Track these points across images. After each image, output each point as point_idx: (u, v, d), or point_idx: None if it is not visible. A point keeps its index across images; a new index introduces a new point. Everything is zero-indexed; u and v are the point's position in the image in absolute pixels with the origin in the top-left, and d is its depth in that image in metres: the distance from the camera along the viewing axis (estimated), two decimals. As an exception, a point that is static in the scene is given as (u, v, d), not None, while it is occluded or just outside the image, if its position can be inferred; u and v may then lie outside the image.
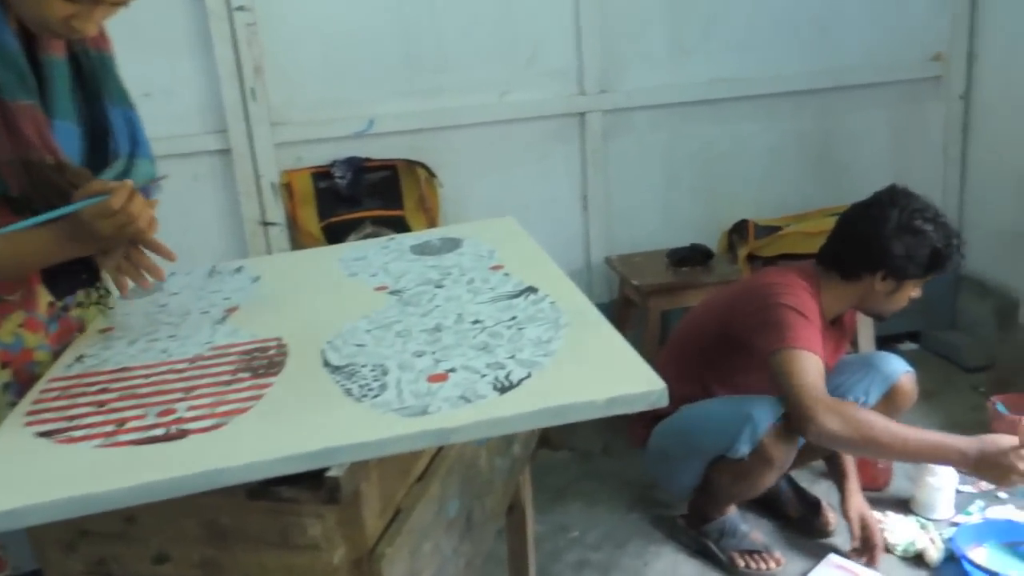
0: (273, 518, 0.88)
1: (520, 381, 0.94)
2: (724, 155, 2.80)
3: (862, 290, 1.82)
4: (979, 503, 2.08)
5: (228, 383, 1.02)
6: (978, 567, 1.79)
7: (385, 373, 1.00)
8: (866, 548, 1.88)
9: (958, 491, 2.10)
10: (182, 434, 0.90)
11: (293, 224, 2.54)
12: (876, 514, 2.03)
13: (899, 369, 1.92)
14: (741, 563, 1.88)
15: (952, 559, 1.88)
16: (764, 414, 1.70)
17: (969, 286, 2.91)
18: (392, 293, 1.29)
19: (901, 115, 2.86)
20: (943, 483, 2.03)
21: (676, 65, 2.69)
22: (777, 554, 1.91)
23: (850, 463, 1.95)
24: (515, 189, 2.70)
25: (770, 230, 2.64)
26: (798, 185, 2.84)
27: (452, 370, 0.99)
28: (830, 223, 2.48)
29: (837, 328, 1.93)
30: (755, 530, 1.95)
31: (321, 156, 2.53)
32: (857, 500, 1.92)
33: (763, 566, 1.87)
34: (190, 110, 2.43)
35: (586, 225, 2.76)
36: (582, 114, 2.65)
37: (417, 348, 1.07)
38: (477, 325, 1.12)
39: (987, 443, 1.57)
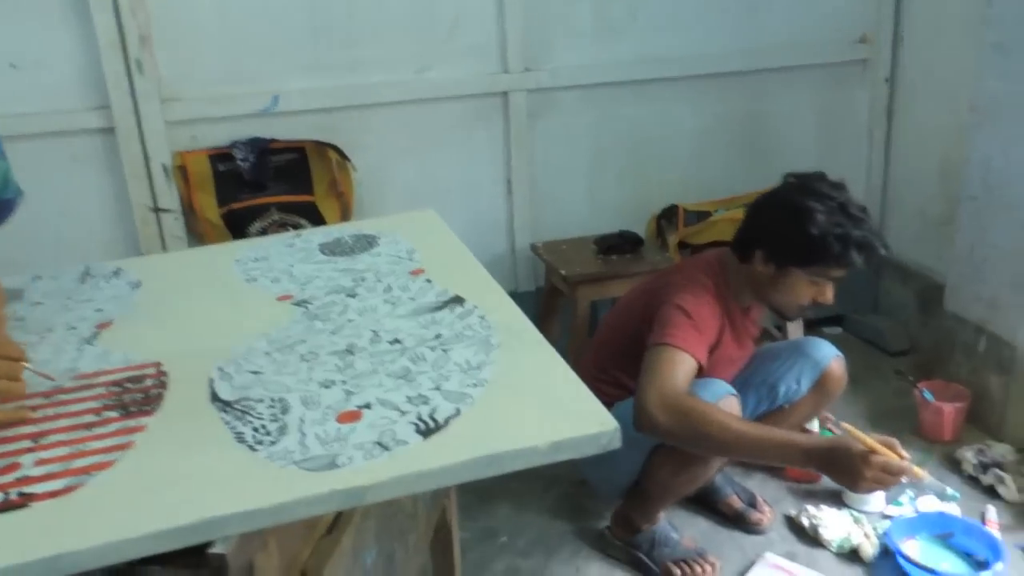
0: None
1: (447, 420, 0.80)
2: (652, 138, 2.70)
3: (752, 273, 1.70)
4: (909, 493, 2.06)
5: (90, 426, 0.84)
6: (912, 562, 1.76)
7: (286, 411, 0.84)
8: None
9: (889, 483, 2.08)
10: (24, 500, 0.73)
11: (189, 211, 2.30)
12: (810, 507, 2.00)
13: (828, 355, 1.88)
14: (677, 572, 1.80)
15: (886, 553, 1.85)
16: (709, 398, 1.60)
17: (892, 270, 2.91)
18: (298, 304, 1.13)
19: (828, 98, 2.82)
20: (875, 476, 1.99)
21: (603, 43, 2.57)
22: (711, 558, 1.83)
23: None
24: (435, 173, 2.54)
25: (699, 215, 2.56)
26: (727, 169, 2.77)
27: (366, 406, 0.84)
28: (759, 208, 2.45)
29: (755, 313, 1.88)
30: (686, 537, 1.88)
31: (220, 136, 2.30)
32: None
33: (698, 571, 1.80)
34: (66, 83, 2.16)
35: (510, 210, 2.62)
36: (505, 93, 2.50)
37: (325, 376, 0.91)
38: (396, 346, 0.97)
39: (837, 446, 1.45)
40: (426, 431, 0.78)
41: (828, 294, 1.68)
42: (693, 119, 2.72)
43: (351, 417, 0.82)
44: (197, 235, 2.33)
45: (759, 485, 2.12)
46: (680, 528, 1.91)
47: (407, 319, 1.04)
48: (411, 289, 1.14)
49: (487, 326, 1.01)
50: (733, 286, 1.75)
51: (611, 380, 1.78)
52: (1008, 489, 2.01)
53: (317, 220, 2.32)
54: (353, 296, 1.13)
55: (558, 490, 2.17)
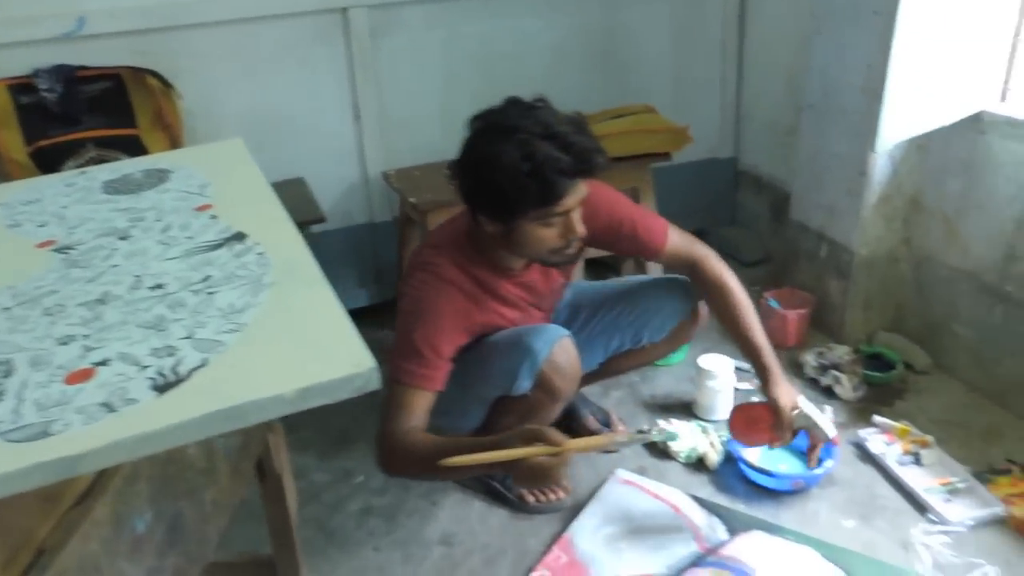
0: None
1: (190, 373, 0.73)
2: (506, 55, 2.60)
3: (493, 235, 1.52)
4: (756, 399, 2.13)
5: None
6: (750, 466, 1.83)
7: (8, 374, 0.75)
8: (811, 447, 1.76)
9: (736, 390, 2.15)
10: None
11: (-8, 150, 2.08)
12: (660, 421, 2.05)
13: (688, 303, 1.83)
14: (531, 499, 1.81)
15: (729, 459, 1.91)
16: (543, 344, 1.58)
17: (746, 181, 2.97)
18: (59, 251, 1.01)
19: (682, 10, 2.77)
20: (721, 385, 2.05)
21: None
22: (564, 481, 1.86)
23: (764, 353, 1.70)
24: (274, 99, 2.38)
25: (555, 135, 2.51)
26: (582, 85, 2.71)
27: (103, 363, 0.75)
28: (614, 125, 2.41)
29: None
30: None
31: (18, 64, 2.06)
32: (780, 391, 1.68)
33: (552, 497, 1.81)
34: None
35: (359, 137, 2.50)
36: (344, 10, 2.33)
37: (66, 331, 0.82)
38: (157, 292, 0.88)
39: (526, 465, 1.32)
40: (163, 386, 0.71)
41: (573, 227, 1.49)
42: (547, 34, 2.64)
43: (81, 377, 0.73)
44: (4, 176, 2.11)
45: (615, 404, 2.15)
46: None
47: (178, 261, 0.95)
48: (192, 228, 1.04)
49: (264, 264, 0.93)
50: (489, 251, 1.58)
51: None
52: (844, 388, 2.11)
53: (143, 155, 2.14)
54: (125, 239, 1.03)
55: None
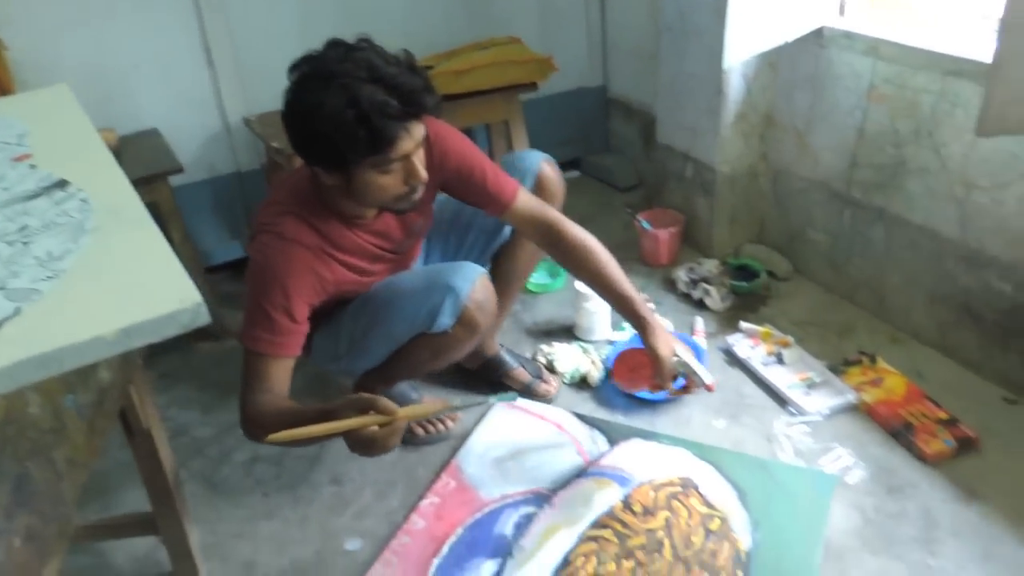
0: None
1: (0, 324, 0.70)
2: (364, -9, 2.53)
3: (334, 186, 1.45)
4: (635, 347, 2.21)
5: None
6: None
7: None
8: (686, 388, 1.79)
9: (613, 312, 2.22)
10: None
11: None
12: (544, 346, 2.10)
13: (536, 160, 1.81)
14: (419, 431, 1.83)
15: (609, 376, 1.99)
16: (463, 281, 1.56)
17: (617, 108, 3.02)
18: None
19: (542, -62, 2.76)
20: (597, 307, 2.12)
21: None
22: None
23: (637, 304, 1.68)
24: (117, 47, 2.24)
25: (421, 71, 2.47)
26: (446, 20, 2.67)
27: (-96, 322, 0.71)
28: (478, 58, 2.40)
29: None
30: (425, 395, 1.91)
31: None
32: (658, 340, 1.67)
33: (440, 428, 1.84)
34: None
35: (216, 83, 2.39)
36: (183, -54, 2.21)
37: None
38: (-33, 246, 0.83)
39: (358, 435, 1.27)
40: (-29, 339, 0.68)
41: (415, 171, 1.43)
42: (406, -32, 2.58)
43: None
44: None
45: (503, 337, 2.17)
46: (419, 388, 1.94)
47: (-7, 213, 0.90)
48: (8, 178, 0.98)
49: (87, 210, 0.89)
50: (334, 203, 1.51)
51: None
52: (713, 300, 2.22)
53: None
54: (-66, 195, 0.96)
55: (302, 373, 2.12)
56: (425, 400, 1.38)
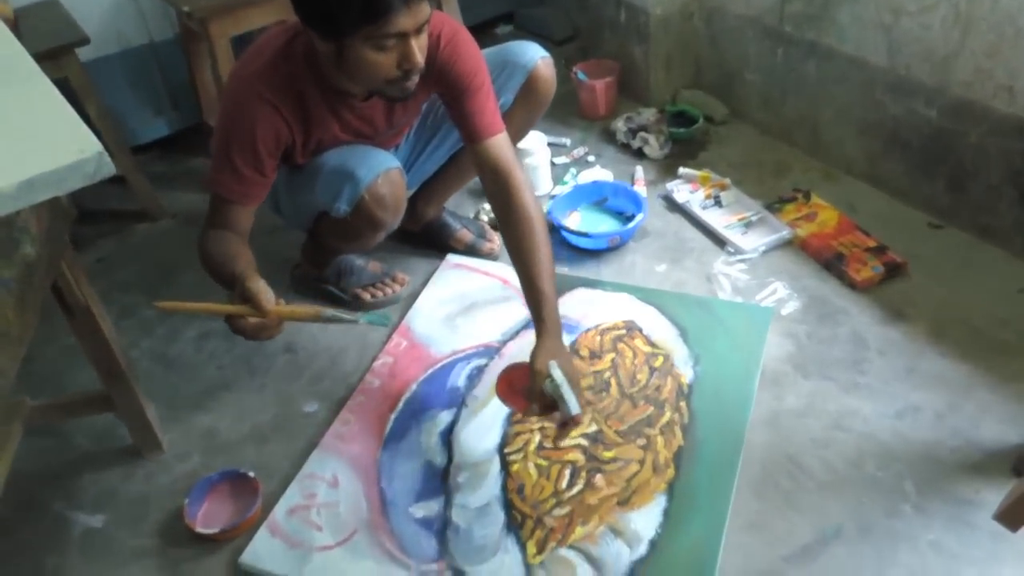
0: None
1: None
2: None
3: (326, 56, 1.39)
4: (572, 171, 2.21)
5: None
6: (571, 231, 1.93)
7: None
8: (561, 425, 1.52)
9: (553, 164, 2.22)
10: None
11: None
12: (486, 204, 2.09)
13: (534, 57, 1.74)
14: (367, 296, 1.85)
15: (552, 229, 2.00)
16: (367, 172, 1.53)
17: (549, -42, 2.89)
18: None
19: None
20: (539, 161, 2.11)
21: None
22: (400, 275, 1.90)
23: (546, 304, 1.46)
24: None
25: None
26: None
27: None
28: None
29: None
30: (372, 261, 1.91)
31: None
32: (540, 351, 1.43)
33: (388, 291, 1.86)
34: None
35: (115, -58, 2.22)
36: None
37: None
38: None
39: (236, 323, 1.24)
40: None
41: (411, 55, 1.33)
42: None
43: None
44: None
45: (451, 203, 2.14)
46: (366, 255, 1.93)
47: None
48: None
49: (-24, 70, 0.83)
50: (325, 71, 1.44)
51: None
52: (652, 148, 2.22)
53: None
54: None
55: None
56: (301, 305, 1.35)
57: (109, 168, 0.68)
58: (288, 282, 1.94)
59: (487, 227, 2.02)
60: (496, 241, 1.98)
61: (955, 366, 1.54)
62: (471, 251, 1.96)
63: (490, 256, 1.96)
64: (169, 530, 1.43)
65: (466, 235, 1.97)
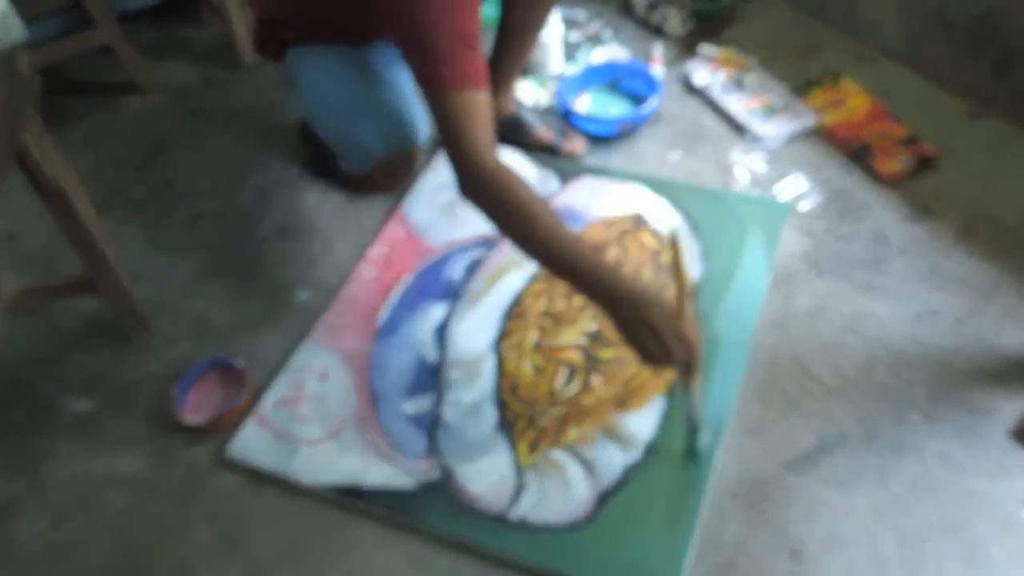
0: None
1: None
2: None
3: None
4: (585, 48, 2.06)
5: None
6: (579, 116, 1.81)
7: None
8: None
9: (566, 43, 2.06)
10: None
11: None
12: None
13: None
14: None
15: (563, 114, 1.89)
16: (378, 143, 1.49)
17: None
18: None
19: None
20: (551, 39, 1.95)
21: None
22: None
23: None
24: None
25: None
26: None
27: None
28: None
29: None
30: None
31: None
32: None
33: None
34: None
35: None
36: None
37: None
38: None
39: (653, 302, 1.12)
40: None
41: None
42: None
43: None
44: None
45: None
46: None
47: None
48: None
49: None
50: None
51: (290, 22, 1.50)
52: (672, 24, 2.05)
53: None
54: None
55: (240, 121, 2.00)
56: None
57: (18, 33, 0.58)
58: (287, 180, 1.84)
59: (568, 125, 1.81)
60: (581, 140, 1.78)
61: (981, 267, 1.45)
62: (552, 151, 1.77)
63: (574, 157, 1.77)
64: (158, 417, 1.41)
65: (546, 133, 1.78)
